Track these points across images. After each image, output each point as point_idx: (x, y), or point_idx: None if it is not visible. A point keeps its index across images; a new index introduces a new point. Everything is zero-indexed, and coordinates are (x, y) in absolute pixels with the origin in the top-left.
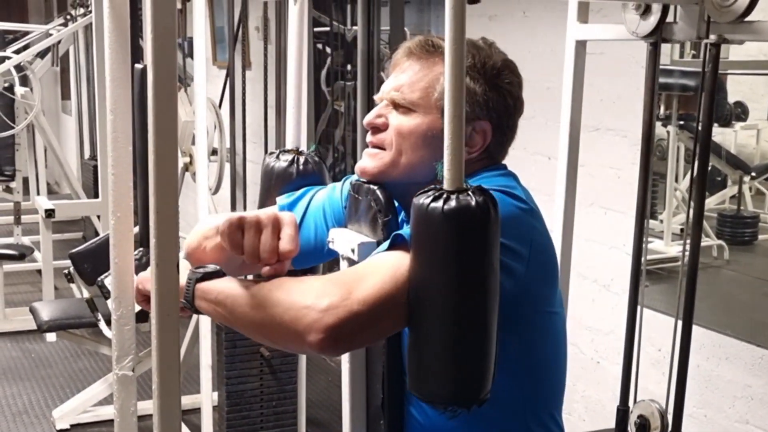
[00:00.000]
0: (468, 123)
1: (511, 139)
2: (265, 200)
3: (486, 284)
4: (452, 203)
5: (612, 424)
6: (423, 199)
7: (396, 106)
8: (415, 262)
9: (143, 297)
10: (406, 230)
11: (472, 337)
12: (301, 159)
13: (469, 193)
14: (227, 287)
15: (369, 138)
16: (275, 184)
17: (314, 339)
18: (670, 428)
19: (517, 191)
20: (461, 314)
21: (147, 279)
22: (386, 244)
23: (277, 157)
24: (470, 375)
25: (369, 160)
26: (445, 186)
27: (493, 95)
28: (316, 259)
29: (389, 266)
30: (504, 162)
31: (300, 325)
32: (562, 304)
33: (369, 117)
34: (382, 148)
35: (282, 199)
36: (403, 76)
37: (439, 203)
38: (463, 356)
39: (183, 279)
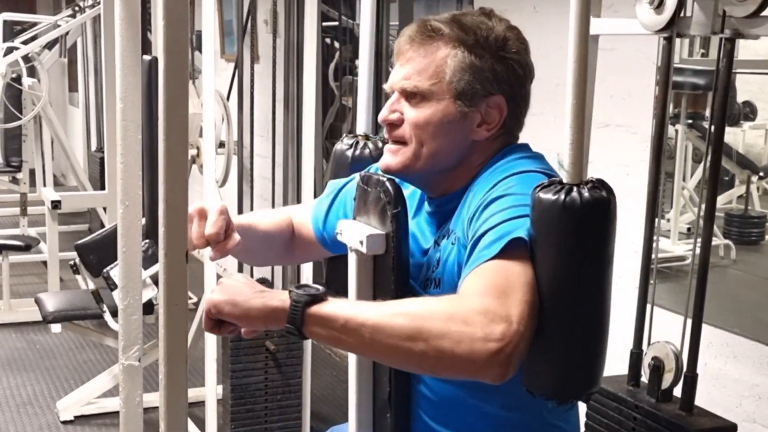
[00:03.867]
0: (482, 101)
1: (525, 109)
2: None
3: (610, 275)
4: (586, 195)
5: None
6: (551, 195)
7: (407, 96)
8: (545, 261)
9: (212, 323)
10: (518, 231)
11: (598, 330)
12: (361, 143)
13: (595, 185)
14: (358, 314)
15: (386, 134)
16: (335, 168)
17: (498, 372)
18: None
19: (554, 173)
20: (595, 307)
21: (218, 302)
22: (496, 246)
23: (342, 140)
24: (592, 368)
25: (391, 157)
26: (569, 179)
27: (501, 67)
28: (341, 248)
29: (523, 275)
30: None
31: (479, 358)
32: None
33: (383, 114)
34: (402, 142)
35: (329, 187)
36: (410, 66)
37: (575, 196)
38: (589, 351)
39: (268, 299)
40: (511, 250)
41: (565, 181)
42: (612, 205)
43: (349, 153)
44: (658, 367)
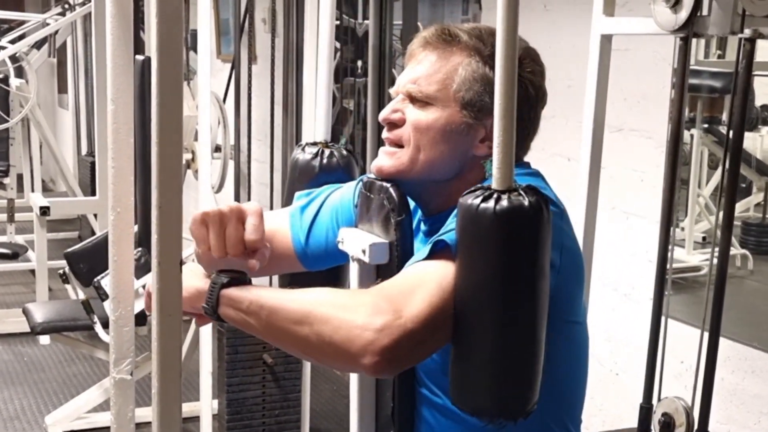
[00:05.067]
0: (489, 115)
1: (533, 133)
2: (290, 195)
3: (537, 290)
4: (504, 203)
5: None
6: (471, 200)
7: (413, 99)
8: (462, 269)
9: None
10: (449, 235)
11: (523, 346)
12: (326, 152)
13: (521, 192)
14: (261, 296)
15: (385, 134)
16: (299, 178)
17: (369, 362)
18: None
19: (548, 192)
20: (512, 323)
21: None
22: (426, 250)
23: (303, 149)
24: (519, 387)
25: (386, 159)
26: (495, 185)
27: None
28: (330, 261)
29: (435, 277)
30: (527, 160)
31: (353, 346)
32: (586, 315)
33: (384, 112)
34: (399, 145)
35: (299, 197)
36: (419, 68)
37: (490, 203)
38: (513, 367)
39: (195, 281)
40: (436, 254)
41: (493, 187)
42: (534, 215)
43: (316, 162)
44: (668, 424)
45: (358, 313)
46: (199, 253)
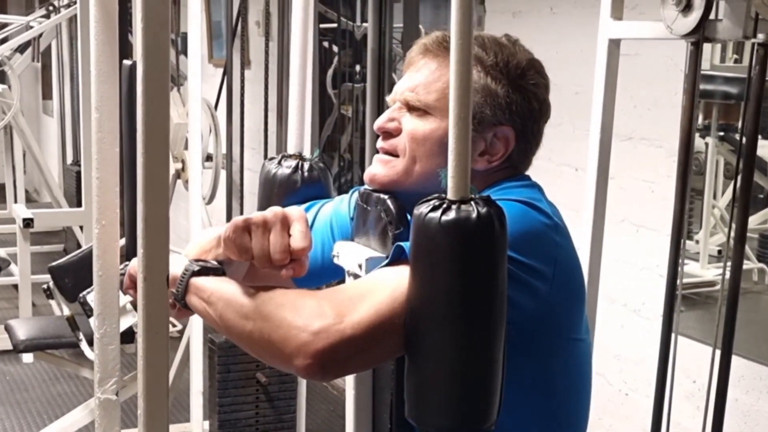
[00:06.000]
0: (489, 129)
1: (535, 147)
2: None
3: (488, 304)
4: (451, 214)
5: None
6: (422, 209)
7: (410, 108)
8: (412, 279)
9: (134, 284)
10: (407, 242)
11: (473, 361)
12: (305, 165)
13: (473, 203)
14: (222, 288)
15: (380, 143)
16: (278, 192)
17: (300, 363)
18: None
19: (542, 204)
20: (461, 336)
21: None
22: (388, 258)
23: (279, 162)
24: (472, 403)
25: (380, 167)
26: (449, 195)
27: (516, 97)
28: (325, 278)
29: (388, 285)
30: (527, 173)
31: (288, 346)
32: (588, 331)
33: (380, 121)
34: (394, 154)
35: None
36: (418, 76)
37: (437, 213)
38: (464, 382)
39: (176, 269)
40: (396, 261)
41: (448, 196)
42: (482, 227)
43: (297, 177)
44: None
45: (300, 313)
46: (233, 268)
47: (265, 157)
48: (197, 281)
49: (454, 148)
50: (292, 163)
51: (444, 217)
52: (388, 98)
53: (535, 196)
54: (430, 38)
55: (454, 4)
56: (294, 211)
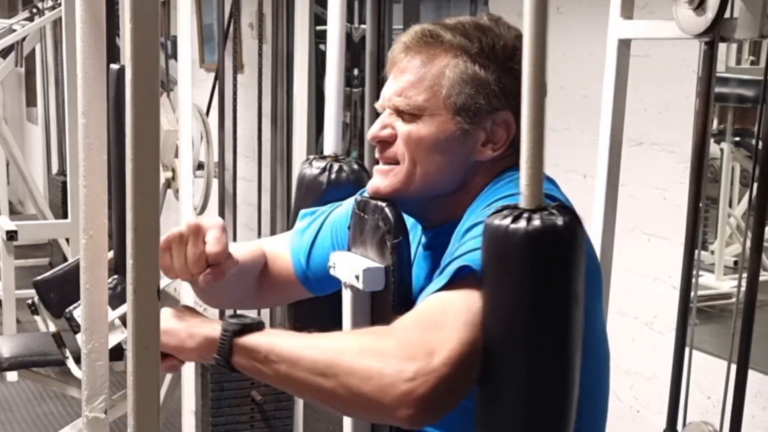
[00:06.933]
0: (487, 116)
1: None
2: (296, 215)
3: (574, 319)
4: (536, 223)
5: None
6: (499, 221)
7: (401, 113)
8: (490, 297)
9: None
10: (472, 259)
11: (559, 382)
12: (335, 167)
13: (552, 211)
14: (278, 345)
15: (377, 154)
16: (305, 195)
17: (404, 414)
18: None
19: (558, 194)
20: (546, 358)
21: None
22: (444, 278)
23: (310, 163)
24: (555, 426)
25: (381, 179)
26: (523, 204)
27: (508, 80)
28: (335, 283)
29: (460, 310)
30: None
31: (387, 397)
32: (607, 342)
33: (373, 130)
34: (394, 162)
35: (303, 217)
36: (403, 78)
37: (521, 224)
38: (547, 409)
39: (203, 328)
40: (459, 282)
41: (521, 205)
42: (568, 236)
43: (323, 178)
44: None
45: (387, 360)
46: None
47: (260, 165)
48: (244, 342)
49: (528, 155)
50: (322, 164)
51: (530, 227)
52: (377, 105)
53: (555, 192)
54: (409, 34)
55: (527, 8)
56: (210, 221)
